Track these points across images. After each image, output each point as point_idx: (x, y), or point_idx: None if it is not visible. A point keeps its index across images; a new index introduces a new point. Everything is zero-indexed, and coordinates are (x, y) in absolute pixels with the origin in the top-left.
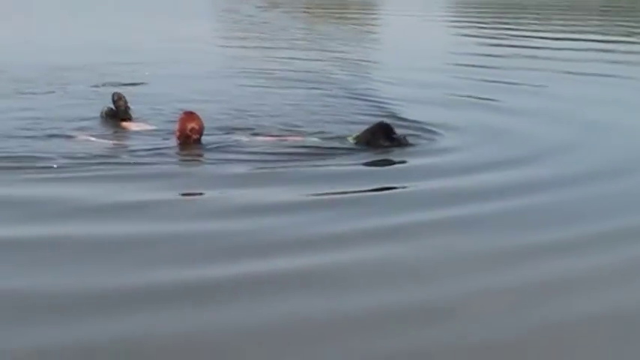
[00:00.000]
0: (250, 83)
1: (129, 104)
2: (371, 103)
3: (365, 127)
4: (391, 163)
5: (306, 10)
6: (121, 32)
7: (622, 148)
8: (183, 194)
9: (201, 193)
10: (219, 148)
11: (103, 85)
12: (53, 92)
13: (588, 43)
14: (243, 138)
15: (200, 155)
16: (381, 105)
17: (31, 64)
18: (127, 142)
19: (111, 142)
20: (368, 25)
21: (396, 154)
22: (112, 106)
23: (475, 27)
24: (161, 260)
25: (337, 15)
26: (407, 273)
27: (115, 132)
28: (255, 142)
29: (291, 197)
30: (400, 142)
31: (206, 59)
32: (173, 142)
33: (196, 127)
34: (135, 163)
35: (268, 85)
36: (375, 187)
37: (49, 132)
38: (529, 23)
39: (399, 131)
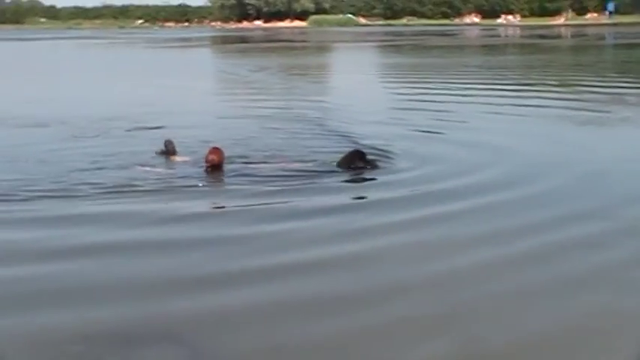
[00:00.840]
0: (247, 124)
1: (175, 145)
2: (341, 137)
3: (343, 153)
4: (365, 179)
5: (287, 71)
6: (144, 89)
7: (523, 164)
8: (215, 207)
9: (223, 206)
10: (237, 173)
11: (135, 129)
12: (98, 136)
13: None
14: (254, 165)
15: (221, 179)
16: (349, 138)
17: (81, 116)
18: (173, 171)
19: (161, 170)
20: (333, 81)
21: (368, 173)
22: (163, 147)
23: (410, 82)
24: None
25: (314, 74)
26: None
27: (166, 163)
28: (265, 168)
29: (301, 205)
30: (372, 165)
31: (209, 107)
32: (203, 169)
33: (216, 158)
34: (184, 186)
35: (261, 125)
36: (355, 196)
37: (109, 164)
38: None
39: (368, 157)
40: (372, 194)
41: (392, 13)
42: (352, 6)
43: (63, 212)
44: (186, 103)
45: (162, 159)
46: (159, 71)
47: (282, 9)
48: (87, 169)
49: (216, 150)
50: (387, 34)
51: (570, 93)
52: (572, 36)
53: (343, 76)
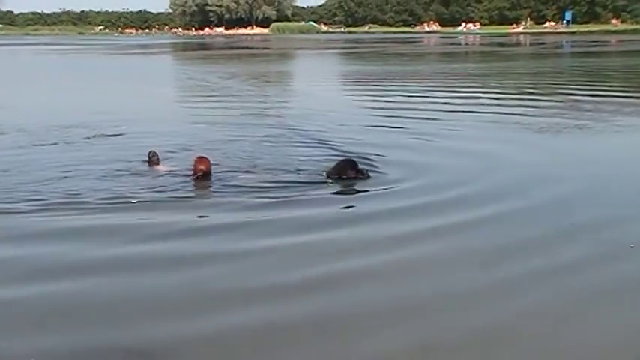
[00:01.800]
0: (220, 131)
1: (158, 155)
2: (322, 145)
3: (333, 163)
4: (358, 190)
5: (256, 78)
6: (107, 96)
7: (513, 174)
8: (204, 221)
9: (215, 220)
10: (226, 183)
11: (93, 137)
12: (57, 144)
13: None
14: (242, 175)
15: (209, 187)
16: (331, 145)
17: (38, 123)
18: (159, 181)
19: (147, 180)
20: (302, 88)
21: (360, 184)
22: (146, 158)
23: (375, 89)
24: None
25: (283, 81)
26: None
27: (150, 173)
28: (252, 179)
29: (297, 219)
30: (363, 174)
31: (180, 114)
32: (191, 177)
33: (204, 167)
34: (172, 198)
35: (237, 133)
36: (349, 208)
37: (79, 173)
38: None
39: (360, 166)
40: (368, 206)
41: (353, 21)
42: (314, 13)
43: (44, 227)
44: (155, 110)
45: (145, 168)
46: (121, 78)
47: (244, 16)
48: (57, 179)
49: (203, 159)
50: (348, 41)
51: (528, 100)
52: (531, 44)
53: (311, 83)
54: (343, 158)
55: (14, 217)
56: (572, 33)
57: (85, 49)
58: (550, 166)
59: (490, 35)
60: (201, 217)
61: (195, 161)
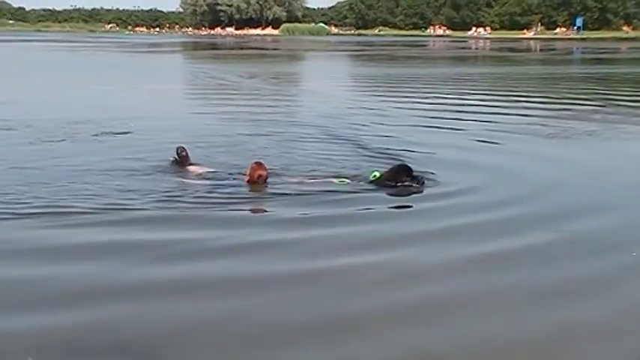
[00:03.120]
0: (253, 133)
1: (187, 152)
2: (359, 148)
3: (386, 168)
4: (418, 200)
5: (273, 78)
6: (120, 94)
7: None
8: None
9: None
10: (280, 189)
11: (102, 134)
12: (64, 140)
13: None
14: (292, 181)
15: (263, 197)
16: (368, 149)
17: (49, 119)
18: (206, 184)
19: (195, 182)
20: (322, 89)
21: (417, 192)
22: (176, 156)
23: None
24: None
25: (297, 82)
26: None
27: (187, 174)
28: (306, 185)
29: (370, 235)
30: (418, 181)
31: (196, 112)
32: (243, 183)
33: (264, 174)
34: (223, 204)
35: (270, 135)
36: (416, 224)
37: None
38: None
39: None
40: (436, 221)
41: (363, 23)
42: (324, 15)
43: (67, 240)
44: (177, 109)
45: (177, 169)
46: (135, 75)
47: (254, 16)
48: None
49: (261, 165)
50: (359, 43)
51: (540, 105)
52: (541, 49)
53: (328, 84)
54: (398, 163)
55: (49, 230)
56: (583, 39)
57: (96, 46)
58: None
59: (500, 40)
60: (263, 231)
61: (253, 167)
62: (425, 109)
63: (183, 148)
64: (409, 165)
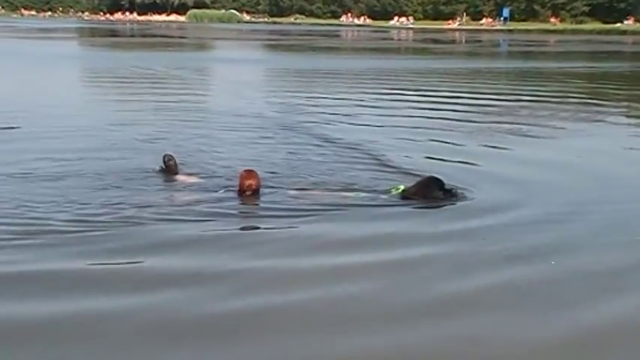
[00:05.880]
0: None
1: (176, 160)
2: (352, 149)
3: (415, 180)
4: (454, 214)
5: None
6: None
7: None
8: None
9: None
10: (271, 201)
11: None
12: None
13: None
14: (292, 191)
15: (257, 208)
16: (365, 152)
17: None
18: (195, 198)
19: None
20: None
21: (451, 206)
22: (163, 165)
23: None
24: None
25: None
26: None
27: (178, 185)
28: (308, 197)
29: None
30: (452, 194)
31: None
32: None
33: (253, 183)
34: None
35: (238, 134)
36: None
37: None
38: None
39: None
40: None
41: (278, 11)
42: (235, 1)
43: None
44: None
45: (166, 177)
46: (23, 64)
47: (159, 1)
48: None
49: (251, 173)
50: (273, 32)
51: (464, 102)
52: (467, 41)
53: (250, 79)
54: (428, 176)
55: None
56: (510, 31)
57: None
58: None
59: (424, 31)
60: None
61: (242, 176)
62: (358, 104)
63: (170, 156)
64: (439, 177)
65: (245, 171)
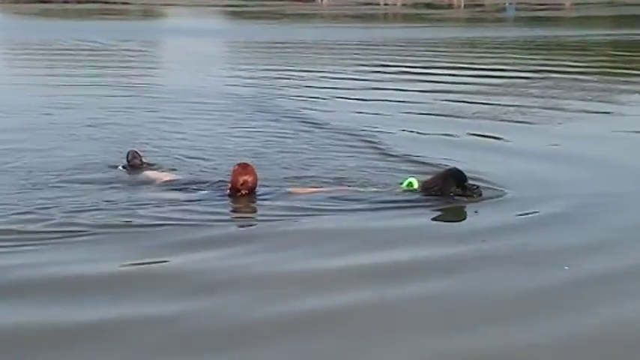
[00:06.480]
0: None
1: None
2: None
3: (424, 171)
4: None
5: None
6: None
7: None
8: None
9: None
10: (272, 201)
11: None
12: None
13: None
14: (291, 189)
15: (253, 210)
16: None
17: None
18: (179, 196)
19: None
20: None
21: (475, 206)
22: (126, 164)
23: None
24: None
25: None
26: None
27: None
28: (308, 194)
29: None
30: (472, 192)
31: None
32: (223, 192)
33: (249, 180)
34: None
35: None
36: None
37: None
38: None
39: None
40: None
41: None
42: None
43: None
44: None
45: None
46: None
47: None
48: None
49: (247, 168)
50: None
51: (463, 80)
52: (466, 5)
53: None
54: (447, 168)
55: None
56: None
57: None
58: None
59: None
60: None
61: (237, 171)
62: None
63: (135, 153)
64: (461, 171)
65: (240, 165)
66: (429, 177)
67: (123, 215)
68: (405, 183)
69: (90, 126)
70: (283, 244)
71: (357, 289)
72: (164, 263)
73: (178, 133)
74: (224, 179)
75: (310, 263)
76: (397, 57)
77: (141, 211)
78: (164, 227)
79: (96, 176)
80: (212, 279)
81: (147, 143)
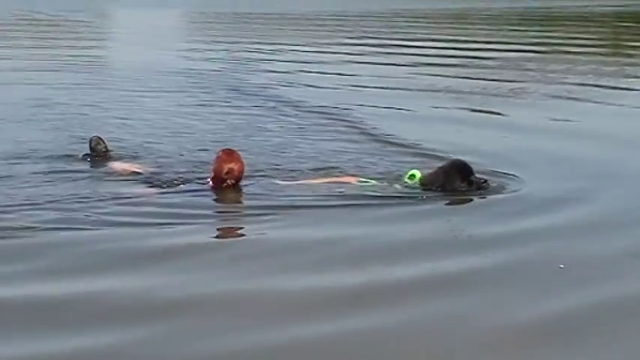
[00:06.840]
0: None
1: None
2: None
3: (434, 166)
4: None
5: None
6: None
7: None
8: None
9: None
10: (255, 194)
11: None
12: None
13: None
14: (281, 181)
15: (238, 202)
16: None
17: None
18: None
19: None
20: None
21: (481, 201)
22: (88, 151)
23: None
24: None
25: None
26: None
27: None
28: (299, 187)
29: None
30: (479, 186)
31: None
32: (205, 184)
33: (235, 169)
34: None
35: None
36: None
37: None
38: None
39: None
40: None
41: None
42: None
43: None
44: None
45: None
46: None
47: None
48: None
49: (234, 155)
50: None
51: (453, 54)
52: None
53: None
54: (451, 160)
55: None
56: None
57: None
58: None
59: None
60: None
61: (221, 158)
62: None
63: (98, 139)
64: (466, 163)
65: (224, 152)
66: (430, 171)
67: (69, 214)
68: (408, 175)
69: (36, 106)
70: (264, 254)
71: (335, 316)
72: (102, 281)
73: (139, 114)
74: (201, 169)
75: (289, 281)
76: (377, 30)
77: (95, 210)
78: (122, 230)
79: (45, 166)
80: (162, 301)
81: (102, 127)
